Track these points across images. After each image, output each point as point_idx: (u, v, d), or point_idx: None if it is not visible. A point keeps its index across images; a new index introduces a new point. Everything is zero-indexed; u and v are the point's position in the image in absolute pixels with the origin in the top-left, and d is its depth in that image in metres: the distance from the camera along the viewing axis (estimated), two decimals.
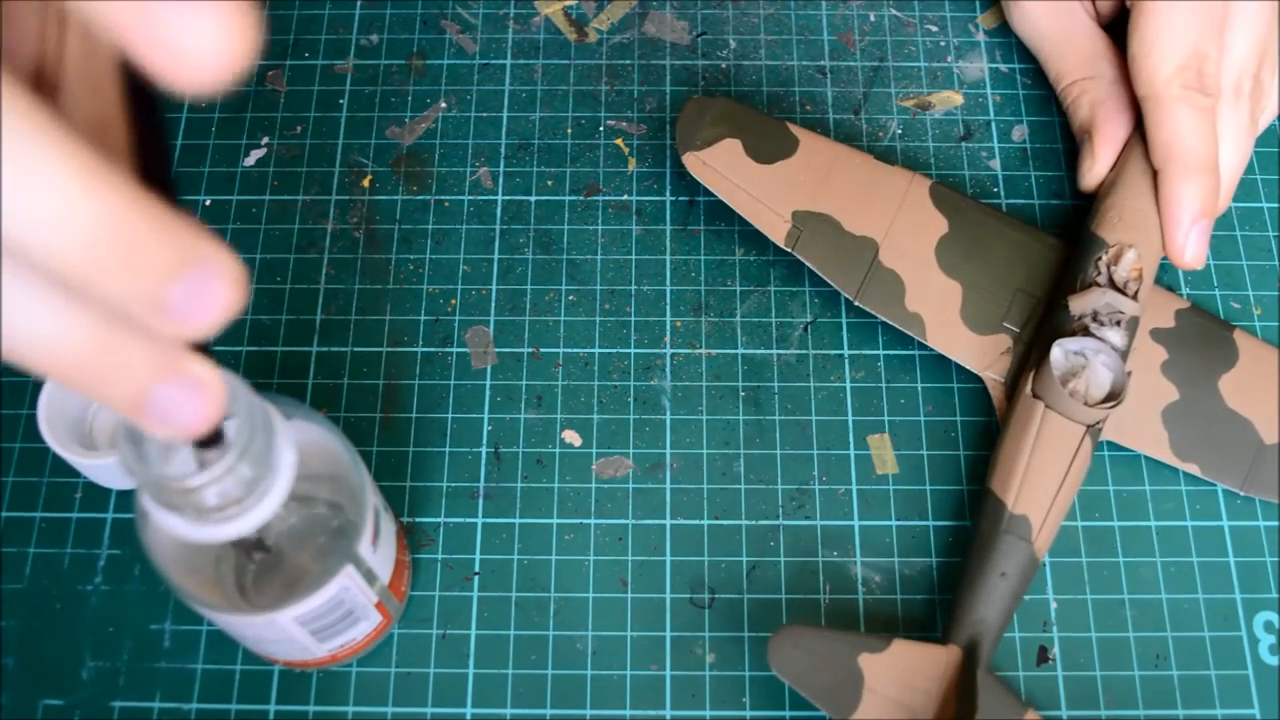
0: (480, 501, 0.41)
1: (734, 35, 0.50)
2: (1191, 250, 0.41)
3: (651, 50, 0.50)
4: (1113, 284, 0.40)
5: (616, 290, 0.45)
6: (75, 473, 0.41)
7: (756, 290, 0.45)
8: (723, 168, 0.43)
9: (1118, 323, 0.39)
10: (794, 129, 0.44)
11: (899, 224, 0.43)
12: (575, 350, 0.44)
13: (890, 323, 0.42)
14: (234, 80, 0.18)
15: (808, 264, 0.42)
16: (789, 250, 0.42)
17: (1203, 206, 0.40)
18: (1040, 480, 0.38)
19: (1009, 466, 0.38)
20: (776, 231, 0.43)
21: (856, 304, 0.42)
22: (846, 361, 0.43)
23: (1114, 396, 0.38)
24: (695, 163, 0.43)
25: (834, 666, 0.35)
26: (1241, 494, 0.41)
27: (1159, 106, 0.41)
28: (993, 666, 0.38)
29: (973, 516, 0.39)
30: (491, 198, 0.46)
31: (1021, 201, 0.46)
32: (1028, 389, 0.39)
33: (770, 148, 0.44)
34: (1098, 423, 0.39)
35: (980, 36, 0.50)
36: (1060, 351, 0.39)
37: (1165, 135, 0.41)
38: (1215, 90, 0.40)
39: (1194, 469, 0.41)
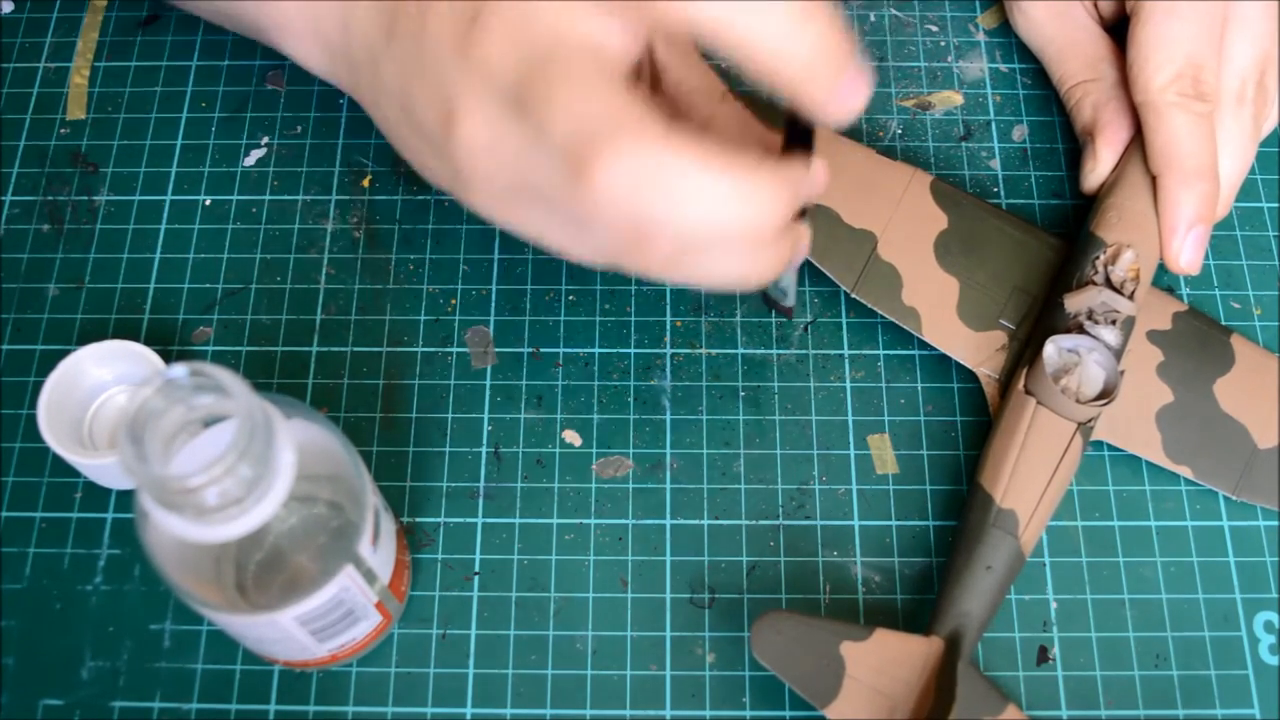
0: (480, 501, 0.41)
1: None
2: (1187, 256, 0.41)
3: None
4: (1109, 284, 0.40)
5: (616, 290, 0.45)
6: (75, 473, 0.41)
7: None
8: None
9: (1113, 322, 0.39)
10: None
11: (898, 218, 0.43)
12: (575, 350, 0.44)
13: (886, 316, 0.42)
14: None
15: (806, 255, 0.42)
16: None
17: (1199, 213, 0.40)
18: (1029, 476, 0.38)
19: (998, 461, 0.38)
20: None
21: (853, 296, 0.42)
22: (846, 361, 0.43)
23: (1106, 394, 0.38)
24: None
25: (815, 653, 0.35)
26: (1235, 499, 0.41)
27: (1155, 114, 0.41)
28: (988, 665, 0.39)
29: (961, 510, 0.39)
30: None
31: (1021, 201, 0.46)
32: (1020, 385, 0.39)
33: None
34: (1089, 421, 0.39)
35: (980, 36, 0.50)
36: (1054, 348, 0.39)
37: (1162, 142, 0.41)
38: (1213, 97, 0.40)
39: (1187, 472, 0.40)
